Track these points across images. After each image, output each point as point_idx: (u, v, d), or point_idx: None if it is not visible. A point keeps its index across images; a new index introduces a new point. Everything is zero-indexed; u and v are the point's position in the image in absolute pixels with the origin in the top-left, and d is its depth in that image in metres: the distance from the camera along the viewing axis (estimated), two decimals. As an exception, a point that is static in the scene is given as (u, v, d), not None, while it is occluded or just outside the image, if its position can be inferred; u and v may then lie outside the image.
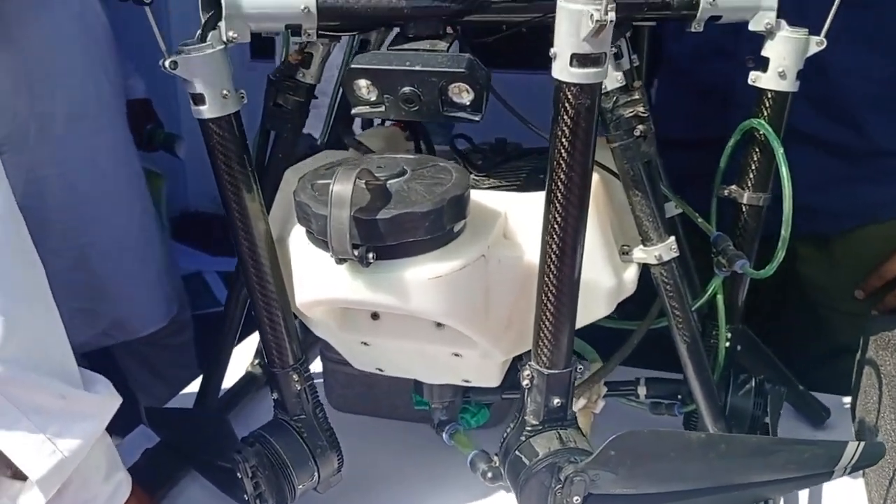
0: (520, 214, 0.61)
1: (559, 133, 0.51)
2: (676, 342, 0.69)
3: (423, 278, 0.53)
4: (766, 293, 1.04)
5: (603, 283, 0.63)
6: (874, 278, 1.00)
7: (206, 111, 0.56)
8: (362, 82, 0.60)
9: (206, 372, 0.85)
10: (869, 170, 0.98)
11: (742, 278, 0.73)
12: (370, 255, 0.51)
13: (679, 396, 0.79)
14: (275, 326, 0.65)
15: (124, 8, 0.73)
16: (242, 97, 0.58)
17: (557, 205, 0.53)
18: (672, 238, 0.66)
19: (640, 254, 0.67)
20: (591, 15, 0.46)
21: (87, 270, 1.67)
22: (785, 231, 0.64)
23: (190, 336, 1.96)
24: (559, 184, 0.52)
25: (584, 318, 0.62)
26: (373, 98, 0.61)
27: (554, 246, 0.54)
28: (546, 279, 0.55)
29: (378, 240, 0.51)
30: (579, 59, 0.48)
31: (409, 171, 0.56)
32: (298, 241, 0.58)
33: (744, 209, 0.71)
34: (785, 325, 1.10)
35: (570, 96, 0.50)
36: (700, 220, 0.72)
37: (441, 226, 0.53)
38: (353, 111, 0.63)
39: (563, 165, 0.52)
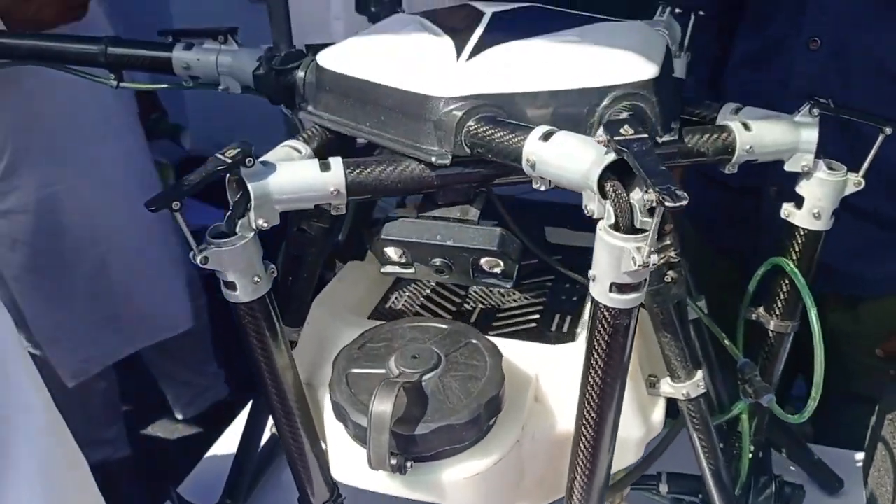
0: (551, 375, 0.61)
1: (596, 344, 0.51)
2: (700, 463, 0.71)
3: (460, 478, 0.53)
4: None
5: (634, 435, 0.64)
6: (894, 343, 1.00)
7: (239, 296, 0.55)
8: (392, 249, 0.59)
9: (234, 467, 0.87)
10: None
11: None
12: (408, 465, 0.52)
13: (700, 495, 0.80)
14: (307, 466, 0.66)
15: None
16: (273, 273, 0.57)
17: (592, 404, 0.53)
18: (699, 374, 0.66)
19: (668, 388, 0.67)
20: (633, 258, 0.45)
21: (109, 278, 1.67)
22: (818, 377, 0.64)
23: (206, 319, 1.99)
24: (594, 387, 0.52)
25: (615, 467, 0.63)
26: (403, 261, 0.60)
27: (588, 432, 0.55)
28: (581, 447, 0.56)
29: (416, 452, 0.51)
30: (619, 288, 0.48)
31: (443, 358, 0.56)
32: (333, 421, 0.58)
33: (770, 335, 0.71)
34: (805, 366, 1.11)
35: (608, 317, 0.49)
36: (728, 342, 0.72)
37: (479, 430, 0.53)
38: (382, 270, 0.62)
39: (599, 372, 0.52)
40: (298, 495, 0.69)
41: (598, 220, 0.48)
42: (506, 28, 0.62)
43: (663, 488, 0.81)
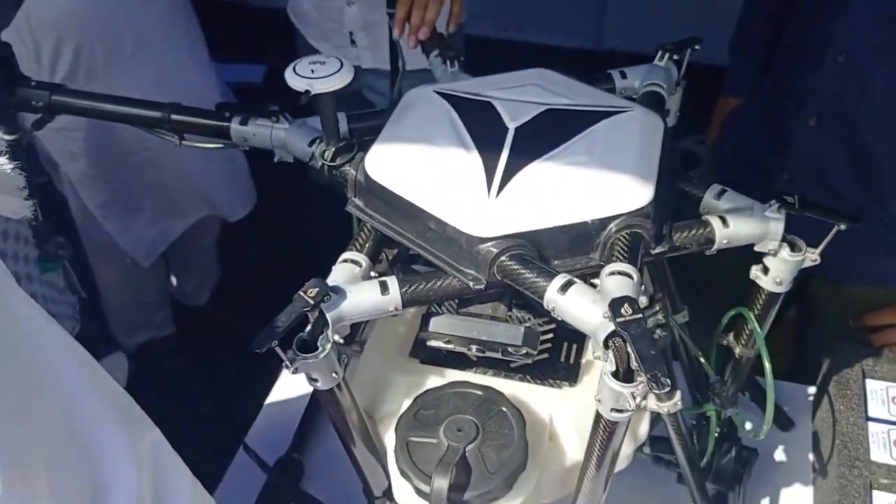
0: (564, 415, 0.79)
1: (598, 436, 0.67)
2: (676, 451, 0.90)
3: (491, 524, 0.72)
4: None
5: (625, 451, 0.82)
6: (868, 317, 1.18)
7: (320, 386, 0.71)
8: (434, 340, 0.75)
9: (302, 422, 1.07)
10: (889, 245, 1.12)
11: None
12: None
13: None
14: (367, 465, 0.85)
15: None
16: (346, 361, 0.73)
17: (595, 465, 0.71)
18: (678, 394, 0.84)
19: (654, 405, 0.85)
20: (628, 401, 0.61)
21: (162, 170, 1.82)
22: (769, 413, 0.82)
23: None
24: (597, 458, 0.70)
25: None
26: (446, 341, 0.76)
27: (592, 475, 0.73)
28: (587, 477, 0.74)
29: (462, 509, 0.70)
30: (618, 410, 0.64)
31: (480, 429, 0.73)
32: (397, 474, 0.76)
33: (737, 356, 0.88)
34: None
35: (608, 424, 0.66)
36: (704, 362, 0.89)
37: (508, 487, 0.71)
38: (428, 343, 0.78)
39: (599, 451, 0.69)
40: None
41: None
42: (527, 146, 0.73)
43: (646, 449, 1.02)
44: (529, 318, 0.81)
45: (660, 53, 0.92)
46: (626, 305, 0.61)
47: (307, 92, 0.72)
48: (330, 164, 0.78)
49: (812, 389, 1.21)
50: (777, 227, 0.75)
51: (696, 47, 0.93)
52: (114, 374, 0.65)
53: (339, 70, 0.73)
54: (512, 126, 0.76)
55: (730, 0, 1.44)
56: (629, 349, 0.59)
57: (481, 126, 0.76)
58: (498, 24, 3.42)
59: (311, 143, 0.81)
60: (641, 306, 0.76)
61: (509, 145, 0.74)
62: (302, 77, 0.73)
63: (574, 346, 0.86)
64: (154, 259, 1.97)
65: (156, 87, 1.67)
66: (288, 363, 0.68)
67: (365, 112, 0.88)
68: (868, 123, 1.06)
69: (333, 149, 0.79)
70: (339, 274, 0.71)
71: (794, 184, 1.17)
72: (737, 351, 0.88)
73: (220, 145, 0.89)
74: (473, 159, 0.73)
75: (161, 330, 2.26)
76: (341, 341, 0.70)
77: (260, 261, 2.66)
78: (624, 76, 0.91)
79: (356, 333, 0.85)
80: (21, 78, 0.91)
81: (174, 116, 0.87)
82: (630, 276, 0.65)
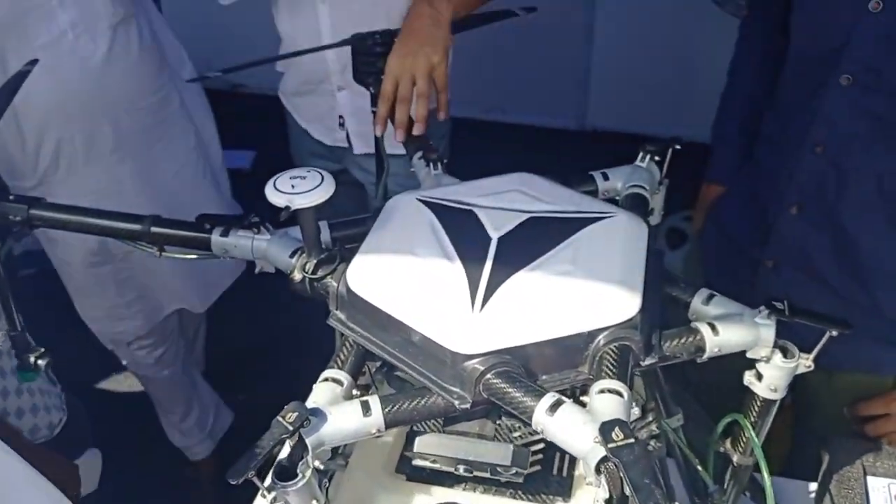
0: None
1: None
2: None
3: None
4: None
5: None
6: (861, 407, 1.15)
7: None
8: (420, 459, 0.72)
9: None
10: (877, 331, 1.10)
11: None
12: None
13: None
14: None
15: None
16: (328, 485, 0.70)
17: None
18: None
19: None
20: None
21: (134, 268, 1.80)
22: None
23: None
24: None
25: None
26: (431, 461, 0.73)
27: None
28: None
29: None
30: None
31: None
32: None
33: (735, 464, 0.85)
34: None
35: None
36: (702, 470, 0.86)
37: None
38: (414, 462, 0.75)
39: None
40: None
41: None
42: (511, 255, 0.72)
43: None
44: (519, 428, 0.79)
45: (641, 154, 0.92)
46: (617, 429, 0.58)
47: (287, 208, 0.71)
48: (311, 276, 0.77)
49: (813, 486, 1.18)
50: (768, 333, 0.74)
51: (678, 147, 0.94)
52: (88, 473, 0.63)
53: (319, 184, 0.73)
54: (495, 236, 0.75)
55: (710, 78, 1.46)
56: (622, 475, 0.56)
57: (464, 236, 0.75)
58: (482, 106, 3.47)
59: (292, 255, 0.80)
60: (634, 417, 0.75)
61: (492, 256, 0.73)
62: (282, 192, 0.72)
63: (567, 457, 0.83)
64: (118, 347, 1.94)
65: (133, 181, 1.67)
66: (265, 492, 0.65)
67: (347, 220, 0.87)
68: (849, 212, 1.06)
69: (315, 261, 0.77)
70: (319, 395, 0.69)
71: (779, 271, 1.16)
72: (734, 458, 0.85)
73: (201, 257, 0.88)
74: (457, 271, 0.72)
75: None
76: (322, 467, 0.67)
77: (248, 348, 2.63)
78: (606, 178, 0.91)
79: (340, 446, 0.82)
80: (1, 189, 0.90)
81: (154, 229, 0.86)
82: (620, 395, 0.63)
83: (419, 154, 1.00)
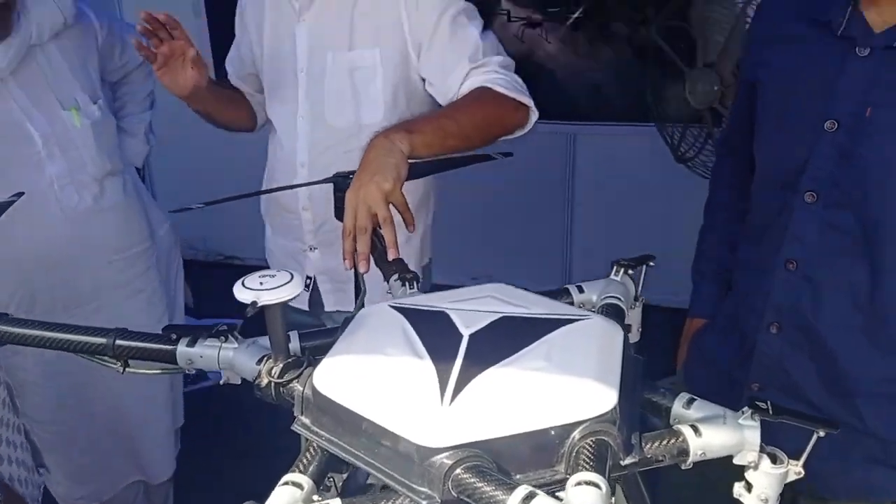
0: None
1: None
2: None
3: None
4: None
5: None
6: None
7: None
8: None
9: None
10: (865, 452, 1.07)
11: None
12: None
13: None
14: None
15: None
16: None
17: None
18: None
19: None
20: None
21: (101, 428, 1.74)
22: None
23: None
24: None
25: None
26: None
27: None
28: None
29: None
30: None
31: None
32: None
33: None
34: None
35: None
36: None
37: None
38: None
39: None
40: None
41: None
42: (481, 353, 0.70)
43: None
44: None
45: (615, 269, 0.93)
46: (591, 516, 0.54)
47: (254, 303, 0.70)
48: (277, 380, 0.74)
49: None
50: (753, 435, 0.70)
51: (651, 264, 0.94)
52: None
53: (288, 282, 0.72)
54: (466, 333, 0.73)
55: (688, 240, 1.49)
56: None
57: (435, 335, 0.74)
58: (470, 273, 3.52)
59: (259, 362, 0.78)
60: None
61: (463, 352, 0.71)
62: (249, 289, 0.71)
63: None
64: None
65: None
66: None
67: (317, 330, 0.85)
68: (826, 328, 1.05)
69: (281, 365, 0.75)
70: (277, 498, 0.64)
71: (764, 394, 1.13)
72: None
73: (165, 371, 0.85)
74: (426, 367, 0.69)
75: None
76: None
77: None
78: (581, 290, 0.91)
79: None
80: (-35, 307, 0.89)
81: (119, 342, 0.84)
82: (598, 486, 0.59)
83: (395, 276, 1.00)
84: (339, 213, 1.21)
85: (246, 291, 0.71)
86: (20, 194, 1.12)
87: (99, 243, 1.62)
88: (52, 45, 1.55)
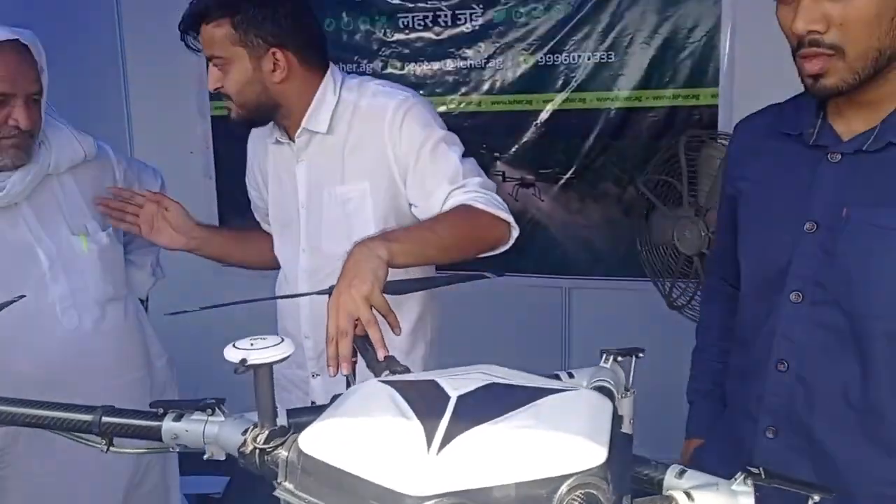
0: None
1: None
2: None
3: None
4: None
5: None
6: None
7: None
8: None
9: None
10: None
11: None
12: None
13: None
14: None
15: None
16: None
17: None
18: None
19: None
20: None
21: None
22: None
23: None
24: None
25: None
26: None
27: None
28: None
29: None
30: None
31: None
32: None
33: None
34: None
35: None
36: None
37: None
38: None
39: None
40: None
41: None
42: (470, 412, 0.70)
43: None
44: None
45: (604, 357, 0.93)
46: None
47: (243, 361, 0.71)
48: (262, 446, 0.73)
49: None
50: (747, 501, 0.69)
51: (640, 355, 0.95)
52: None
53: (278, 343, 0.73)
54: (454, 394, 0.73)
55: (683, 384, 1.49)
56: None
57: (422, 398, 0.73)
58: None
59: (244, 433, 0.77)
60: None
61: (451, 410, 0.70)
62: (239, 349, 0.72)
63: None
64: None
65: (96, 464, 1.60)
66: None
67: (305, 407, 0.85)
68: (823, 428, 1.03)
69: (267, 432, 0.74)
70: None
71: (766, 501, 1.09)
72: None
73: (150, 450, 0.84)
74: (412, 425, 0.69)
75: None
76: None
77: None
78: (571, 376, 0.91)
79: None
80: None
81: (106, 419, 0.83)
82: (587, 533, 0.57)
83: (386, 372, 1.01)
84: None
85: (235, 351, 0.72)
86: (22, 296, 1.14)
87: (96, 367, 1.62)
88: (68, 175, 1.64)
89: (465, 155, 1.54)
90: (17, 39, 1.47)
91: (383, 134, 1.52)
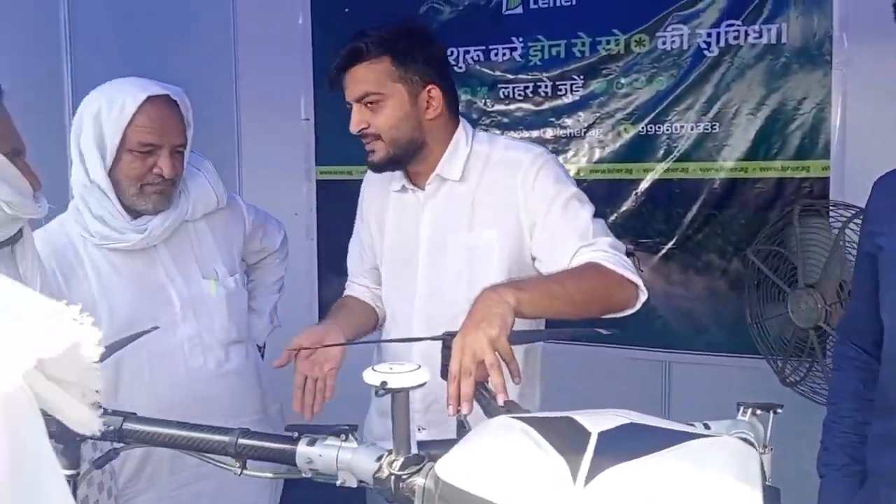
0: None
1: None
2: None
3: None
4: None
5: None
6: None
7: None
8: None
9: None
10: None
11: None
12: None
13: None
14: None
15: None
16: None
17: None
18: None
19: None
20: None
21: None
22: None
23: None
24: None
25: None
26: None
27: None
28: None
29: None
30: None
31: None
32: None
33: None
34: None
35: None
36: None
37: None
38: None
39: None
40: None
41: None
42: (613, 448, 0.68)
43: None
44: None
45: (741, 410, 0.90)
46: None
47: (383, 383, 0.71)
48: (398, 473, 0.73)
49: None
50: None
51: (779, 411, 0.91)
52: None
53: (415, 370, 0.73)
54: (595, 430, 0.71)
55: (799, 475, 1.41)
56: None
57: (560, 434, 0.72)
58: None
59: (378, 460, 0.77)
60: None
61: (593, 445, 0.68)
62: (378, 372, 0.73)
63: None
64: None
65: (212, 499, 1.63)
66: None
67: (435, 440, 0.84)
68: None
69: (402, 459, 0.74)
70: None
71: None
72: None
73: (278, 475, 0.85)
74: (554, 458, 0.67)
75: None
76: None
77: None
78: (707, 427, 0.88)
79: None
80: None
81: (241, 440, 0.84)
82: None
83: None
84: (446, 372, 1.23)
85: (375, 374, 0.73)
86: (155, 328, 1.19)
87: (215, 407, 1.66)
88: (203, 221, 1.72)
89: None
90: (168, 95, 1.58)
91: (516, 184, 1.53)
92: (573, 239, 1.45)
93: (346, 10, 3.51)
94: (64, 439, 0.89)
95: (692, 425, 0.89)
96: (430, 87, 1.54)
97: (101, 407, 0.58)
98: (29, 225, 1.30)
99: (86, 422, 0.56)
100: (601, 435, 0.71)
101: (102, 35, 3.19)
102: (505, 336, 1.13)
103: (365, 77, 1.53)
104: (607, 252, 1.42)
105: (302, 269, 3.64)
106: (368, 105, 1.54)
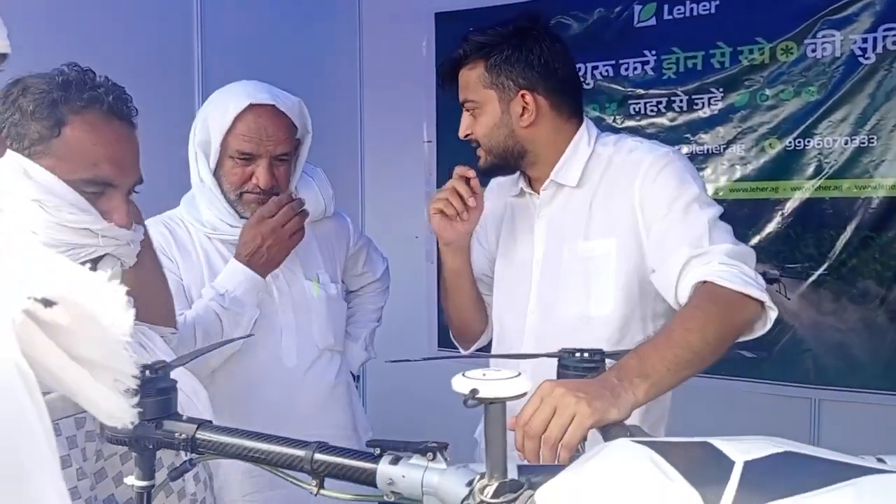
0: None
1: None
2: None
3: None
4: None
5: None
6: None
7: None
8: None
9: None
10: None
11: None
12: None
13: None
14: None
15: None
16: None
17: None
18: None
19: None
20: None
21: None
22: None
23: None
24: None
25: None
26: None
27: None
28: None
29: None
30: None
31: None
32: None
33: None
34: None
35: None
36: None
37: None
38: None
39: None
40: None
41: None
42: (765, 482, 0.53)
43: None
44: None
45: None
46: None
47: (473, 391, 0.60)
48: (491, 500, 0.60)
49: None
50: None
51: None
52: None
53: (514, 377, 0.61)
54: (741, 459, 0.56)
55: None
56: None
57: (694, 462, 0.57)
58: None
59: (468, 484, 0.65)
60: None
61: (738, 477, 0.54)
62: (470, 378, 0.61)
63: None
64: None
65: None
66: None
67: (538, 465, 0.71)
68: None
69: (496, 484, 0.61)
70: None
71: None
72: None
73: (356, 499, 0.74)
74: (684, 490, 0.53)
75: None
76: None
77: None
78: (882, 462, 0.70)
79: None
80: (174, 413, 0.85)
81: (318, 455, 0.75)
82: None
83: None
84: None
85: (465, 381, 0.61)
86: (250, 335, 1.13)
87: (304, 410, 1.62)
88: (309, 228, 1.69)
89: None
90: (274, 105, 1.55)
91: (635, 185, 1.39)
92: (683, 247, 1.29)
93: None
94: (137, 448, 0.83)
95: (860, 457, 0.71)
96: (524, 93, 1.44)
97: (136, 393, 0.50)
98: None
99: (118, 413, 0.48)
100: (748, 465, 0.56)
101: (230, 46, 3.22)
102: (587, 429, 0.98)
103: (465, 82, 1.49)
104: (722, 264, 1.24)
105: (422, 292, 3.59)
106: (469, 111, 1.49)
